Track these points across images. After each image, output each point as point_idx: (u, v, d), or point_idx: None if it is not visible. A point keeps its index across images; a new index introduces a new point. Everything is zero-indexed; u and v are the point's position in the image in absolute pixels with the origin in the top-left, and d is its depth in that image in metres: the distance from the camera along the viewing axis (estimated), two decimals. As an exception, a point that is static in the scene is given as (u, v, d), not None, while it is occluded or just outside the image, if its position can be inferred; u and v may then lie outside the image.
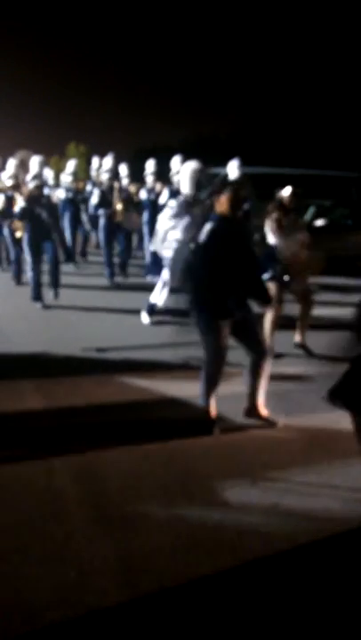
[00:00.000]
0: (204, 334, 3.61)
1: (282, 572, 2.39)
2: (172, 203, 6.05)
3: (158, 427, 3.69)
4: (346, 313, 7.17)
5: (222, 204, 3.52)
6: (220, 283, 3.49)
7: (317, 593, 2.25)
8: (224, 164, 11.76)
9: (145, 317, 6.32)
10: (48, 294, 7.14)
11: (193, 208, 5.85)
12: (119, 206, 8.45)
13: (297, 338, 5.28)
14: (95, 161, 12.34)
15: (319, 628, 2.09)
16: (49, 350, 5.24)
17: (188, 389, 4.23)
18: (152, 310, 6.28)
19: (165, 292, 6.19)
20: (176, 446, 3.43)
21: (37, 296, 7.05)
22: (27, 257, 7.13)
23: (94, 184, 11.19)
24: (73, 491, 2.92)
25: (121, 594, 2.20)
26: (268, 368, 3.68)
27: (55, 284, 7.13)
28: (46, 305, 7.01)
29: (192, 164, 6.13)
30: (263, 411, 3.73)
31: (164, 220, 5.92)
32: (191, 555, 2.44)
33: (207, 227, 3.51)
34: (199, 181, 6.04)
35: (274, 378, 3.91)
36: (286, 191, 5.24)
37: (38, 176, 7.02)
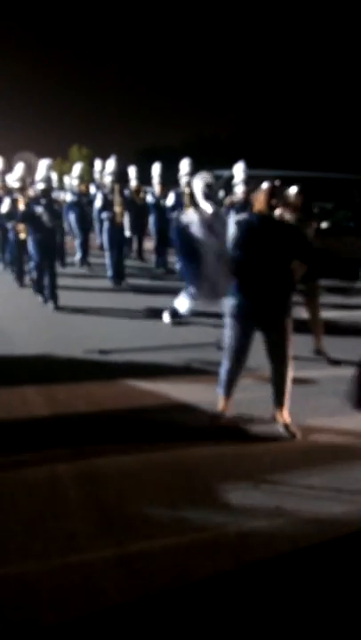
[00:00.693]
0: (287, 333, 3.58)
1: (284, 574, 2.39)
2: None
3: (161, 429, 3.70)
4: (348, 315, 7.21)
5: (260, 201, 3.49)
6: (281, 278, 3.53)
7: (319, 595, 2.25)
8: (225, 165, 11.79)
9: (166, 317, 6.32)
10: (48, 305, 7.11)
11: (211, 217, 5.85)
12: (118, 209, 8.46)
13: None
14: (98, 163, 12.38)
15: (321, 629, 2.09)
16: (51, 352, 5.25)
17: (190, 392, 4.25)
18: (175, 314, 6.28)
19: (187, 300, 6.17)
20: (179, 449, 3.43)
21: (39, 288, 7.13)
22: (31, 255, 7.17)
23: (98, 187, 11.24)
24: (75, 493, 2.92)
25: (122, 596, 2.20)
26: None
27: (53, 296, 7.06)
28: (46, 300, 7.08)
29: (201, 178, 6.11)
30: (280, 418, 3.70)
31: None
32: (193, 557, 2.45)
33: (243, 225, 3.51)
34: (208, 195, 6.04)
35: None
36: (292, 190, 5.24)
37: (46, 179, 7.05)
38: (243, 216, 3.57)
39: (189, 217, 5.93)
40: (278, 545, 2.55)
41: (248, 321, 3.57)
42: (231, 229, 3.60)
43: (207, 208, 5.87)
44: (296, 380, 4.48)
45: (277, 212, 3.58)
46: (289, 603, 2.21)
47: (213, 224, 5.78)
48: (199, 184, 6.07)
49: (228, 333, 3.66)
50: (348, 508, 2.85)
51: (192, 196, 6.25)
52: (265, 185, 3.52)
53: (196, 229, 5.80)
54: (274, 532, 2.65)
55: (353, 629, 2.11)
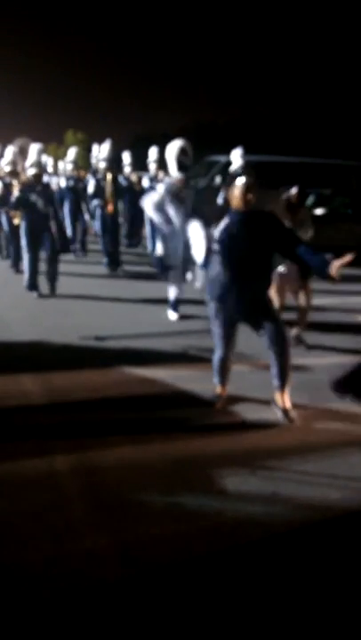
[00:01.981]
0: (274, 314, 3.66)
1: (280, 557, 2.40)
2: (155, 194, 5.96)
3: (157, 416, 3.69)
4: (346, 302, 7.21)
5: (236, 198, 3.49)
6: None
7: (316, 580, 2.26)
8: (223, 151, 11.69)
9: (171, 314, 6.16)
10: (45, 286, 7.07)
11: (181, 191, 5.81)
12: (109, 196, 8.38)
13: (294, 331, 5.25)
14: (95, 149, 12.27)
15: (317, 612, 2.11)
16: (47, 339, 5.23)
17: (187, 379, 4.24)
18: (175, 307, 6.21)
19: (173, 285, 6.16)
20: (176, 436, 3.43)
21: (33, 285, 7.00)
22: (23, 245, 7.06)
23: (95, 172, 11.15)
24: (73, 481, 2.92)
25: (120, 582, 2.21)
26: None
27: (52, 278, 7.02)
28: (42, 294, 6.97)
29: (176, 143, 6.03)
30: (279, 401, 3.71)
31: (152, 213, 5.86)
32: (190, 543, 2.45)
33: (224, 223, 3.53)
34: (181, 162, 5.97)
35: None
36: (293, 190, 5.26)
37: (37, 164, 6.94)
38: (224, 221, 3.53)
39: (158, 193, 5.91)
40: (275, 531, 2.56)
41: (232, 310, 3.60)
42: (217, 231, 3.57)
43: (176, 174, 5.84)
44: (292, 367, 4.48)
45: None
46: (286, 586, 2.22)
47: (182, 194, 5.77)
48: (173, 149, 6.00)
49: (213, 322, 3.71)
50: (344, 494, 2.86)
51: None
52: (240, 181, 3.49)
53: (166, 205, 5.79)
54: (271, 518, 2.66)
55: (347, 611, 2.12)
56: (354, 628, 2.07)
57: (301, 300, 5.19)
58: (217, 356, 3.78)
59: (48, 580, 2.21)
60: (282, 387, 3.62)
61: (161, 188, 6.01)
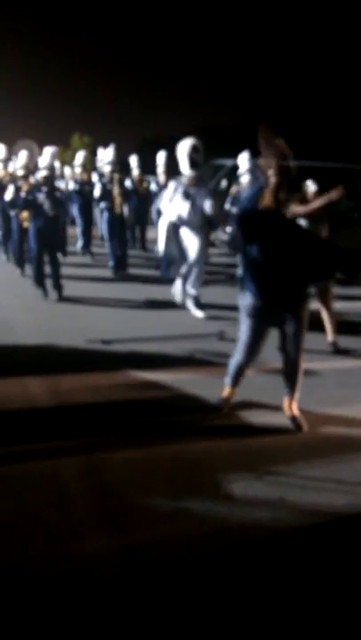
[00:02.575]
0: (303, 326, 3.55)
1: (285, 562, 2.39)
2: (174, 184, 6.05)
3: (163, 420, 3.69)
4: (353, 307, 7.17)
5: (267, 197, 3.36)
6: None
7: (319, 584, 2.25)
8: (229, 154, 11.69)
9: (198, 312, 6.24)
10: (51, 294, 7.08)
11: (193, 188, 5.89)
12: (117, 199, 8.41)
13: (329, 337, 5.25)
14: (101, 152, 12.31)
15: (320, 618, 2.10)
16: (53, 342, 5.24)
17: (193, 382, 4.24)
18: (199, 303, 6.26)
19: (178, 283, 6.21)
20: (182, 439, 3.43)
21: (39, 282, 7.05)
22: (31, 245, 7.11)
23: (100, 175, 11.17)
24: (77, 483, 2.92)
25: (122, 583, 2.21)
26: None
27: (57, 283, 7.01)
28: (48, 293, 7.01)
29: (187, 142, 6.10)
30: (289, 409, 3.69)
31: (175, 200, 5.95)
32: (195, 546, 2.45)
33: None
34: (194, 159, 6.03)
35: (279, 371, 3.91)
36: (311, 187, 5.20)
37: (50, 167, 6.99)
38: (255, 222, 3.43)
39: (169, 193, 5.99)
40: (281, 536, 2.55)
41: (265, 319, 3.54)
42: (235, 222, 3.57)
43: (190, 171, 5.91)
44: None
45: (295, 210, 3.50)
46: (291, 591, 2.21)
47: (194, 192, 5.85)
48: (185, 146, 6.06)
49: (242, 329, 3.63)
50: (350, 500, 2.85)
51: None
52: (272, 179, 3.36)
53: (177, 203, 5.87)
54: (277, 523, 2.65)
55: (352, 615, 2.11)
56: (358, 632, 2.06)
57: (324, 306, 5.20)
58: (235, 361, 3.71)
59: (51, 579, 2.22)
60: (291, 394, 3.62)
61: (172, 185, 6.07)
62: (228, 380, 3.80)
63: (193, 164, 6.00)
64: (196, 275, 6.16)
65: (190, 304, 6.29)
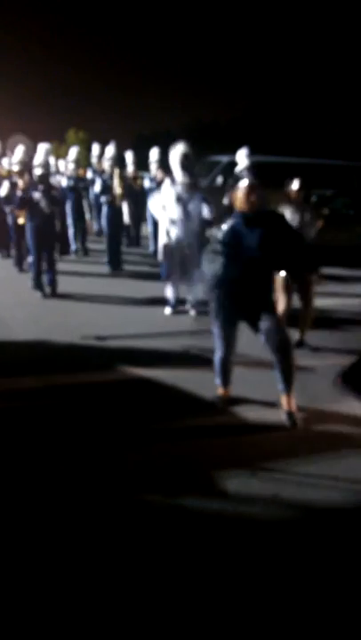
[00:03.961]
0: (276, 317, 3.65)
1: (281, 561, 2.40)
2: (168, 188, 6.03)
3: (158, 416, 3.69)
4: (348, 304, 7.19)
5: (240, 200, 3.52)
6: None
7: (315, 581, 2.26)
8: (224, 151, 11.67)
9: (167, 310, 6.28)
10: (46, 289, 7.03)
11: (186, 193, 5.89)
12: (118, 190, 8.39)
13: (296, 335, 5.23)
14: (96, 148, 12.24)
15: (316, 615, 2.11)
16: (48, 338, 5.23)
17: (188, 379, 4.24)
18: (200, 303, 6.25)
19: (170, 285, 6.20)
20: (176, 436, 3.43)
21: (38, 284, 7.00)
22: (29, 244, 7.06)
23: (95, 171, 11.12)
24: (73, 480, 2.92)
25: (119, 582, 2.21)
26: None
27: (52, 280, 6.98)
28: (46, 294, 6.97)
29: (179, 149, 6.09)
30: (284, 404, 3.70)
31: (168, 205, 5.93)
32: (190, 543, 2.45)
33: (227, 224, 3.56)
34: (186, 165, 6.03)
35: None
36: (294, 185, 5.18)
37: (44, 164, 6.94)
38: (230, 222, 3.58)
39: (163, 195, 5.98)
40: (276, 532, 2.56)
41: (233, 310, 3.62)
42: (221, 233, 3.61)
43: (183, 178, 5.90)
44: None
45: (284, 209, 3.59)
46: (286, 588, 2.22)
47: (187, 197, 5.85)
48: (176, 155, 6.06)
49: (213, 323, 3.72)
50: (345, 496, 2.86)
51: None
52: (243, 183, 3.53)
53: (171, 208, 5.87)
54: (271, 519, 2.66)
55: (348, 611, 2.12)
56: (355, 628, 2.07)
57: (303, 303, 5.18)
58: (217, 357, 3.79)
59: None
60: (287, 390, 3.63)
61: (166, 189, 6.05)
62: (217, 380, 3.84)
63: (185, 171, 5.99)
64: (194, 284, 6.16)
65: (190, 306, 6.26)
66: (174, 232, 5.96)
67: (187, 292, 6.21)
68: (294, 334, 5.03)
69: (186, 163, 6.01)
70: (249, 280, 3.52)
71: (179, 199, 5.89)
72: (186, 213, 5.88)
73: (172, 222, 5.94)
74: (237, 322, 3.70)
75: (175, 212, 5.90)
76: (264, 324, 3.55)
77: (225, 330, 3.68)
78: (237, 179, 3.62)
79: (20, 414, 3.68)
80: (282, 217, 3.73)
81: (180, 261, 6.04)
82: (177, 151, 6.07)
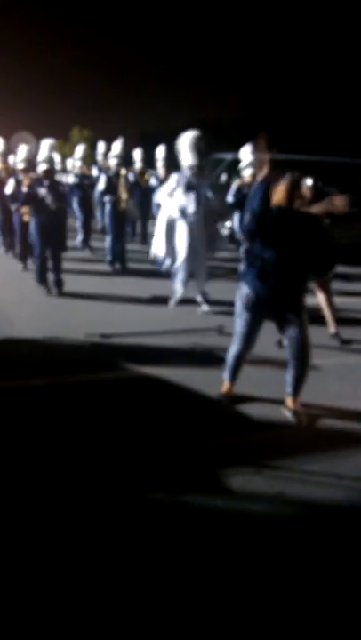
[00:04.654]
0: (304, 319, 3.59)
1: (284, 557, 2.40)
2: (176, 177, 6.02)
3: (162, 414, 3.69)
4: (353, 302, 7.17)
5: (279, 194, 3.40)
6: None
7: (318, 579, 2.26)
8: (228, 148, 11.65)
9: (205, 307, 6.26)
10: (52, 289, 7.04)
11: (195, 178, 5.88)
12: (124, 194, 8.37)
13: (331, 329, 5.28)
14: (101, 145, 12.25)
15: (319, 613, 2.11)
16: (53, 336, 5.24)
17: (191, 376, 4.23)
18: (207, 299, 6.26)
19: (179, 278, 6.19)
20: (180, 433, 3.43)
21: (42, 280, 7.00)
22: (34, 241, 7.05)
23: (100, 169, 11.12)
24: (77, 477, 2.93)
25: (122, 580, 2.22)
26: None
27: (58, 278, 6.97)
28: (50, 291, 6.97)
29: (190, 133, 6.08)
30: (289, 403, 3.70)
31: (176, 194, 5.92)
32: (194, 541, 2.45)
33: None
34: (199, 150, 6.03)
35: (279, 365, 3.91)
36: (307, 183, 5.14)
37: (48, 160, 6.90)
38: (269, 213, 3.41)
39: (171, 183, 5.96)
40: (280, 530, 2.56)
41: (261, 309, 3.58)
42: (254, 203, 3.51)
43: (193, 161, 5.88)
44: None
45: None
46: (290, 585, 2.22)
47: (196, 183, 5.82)
48: (187, 137, 6.05)
49: (238, 320, 3.68)
50: (349, 494, 2.86)
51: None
52: (287, 177, 3.43)
53: (179, 196, 5.84)
54: (275, 517, 2.66)
55: (351, 610, 2.12)
56: (357, 626, 2.07)
57: (325, 299, 5.23)
58: (232, 353, 3.77)
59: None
60: (294, 394, 3.64)
61: (173, 179, 6.04)
62: (226, 374, 3.84)
63: (198, 153, 5.98)
64: (202, 270, 6.16)
65: (200, 298, 6.27)
66: (182, 221, 5.93)
67: (195, 287, 6.20)
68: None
69: (198, 144, 6.00)
70: (283, 277, 3.45)
71: (189, 186, 5.87)
72: (196, 199, 5.86)
73: (181, 210, 5.90)
74: (262, 321, 3.66)
75: (185, 199, 5.87)
76: (290, 329, 3.55)
77: (248, 328, 3.64)
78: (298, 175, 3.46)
79: (24, 412, 3.69)
80: (318, 219, 3.60)
81: (188, 254, 6.01)
82: (188, 134, 6.07)
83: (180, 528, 2.54)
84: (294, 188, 3.39)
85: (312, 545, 2.48)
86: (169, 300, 6.35)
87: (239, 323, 3.67)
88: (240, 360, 3.77)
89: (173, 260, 6.17)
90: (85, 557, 2.34)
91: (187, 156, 6.00)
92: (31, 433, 3.38)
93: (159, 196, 6.35)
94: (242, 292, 3.60)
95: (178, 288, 6.29)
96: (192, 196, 5.87)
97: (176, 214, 5.98)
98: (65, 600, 2.12)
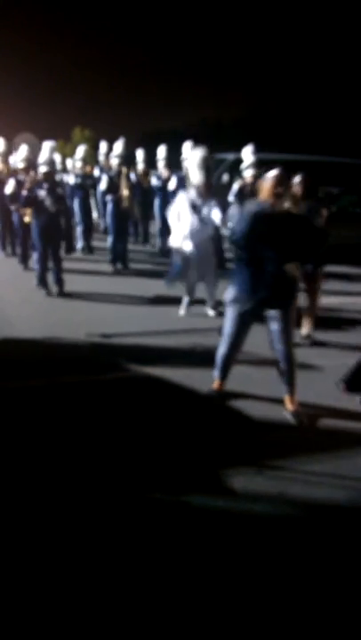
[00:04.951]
0: (291, 320, 3.59)
1: (285, 557, 2.39)
2: (183, 196, 5.98)
3: (162, 414, 3.69)
4: (354, 302, 7.16)
5: (265, 190, 3.43)
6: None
7: (319, 579, 2.25)
8: (228, 149, 11.64)
9: (211, 312, 6.19)
10: (53, 287, 7.04)
11: (200, 199, 5.87)
12: (125, 192, 8.38)
13: (304, 330, 5.23)
14: (103, 146, 12.25)
15: (320, 613, 2.10)
16: (54, 335, 5.23)
17: (192, 377, 4.23)
18: (218, 304, 6.22)
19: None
20: (181, 433, 3.42)
21: (42, 282, 6.99)
22: (34, 242, 7.05)
23: (102, 169, 11.11)
24: (78, 478, 2.92)
25: (122, 578, 2.21)
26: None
27: (58, 279, 6.94)
28: (50, 292, 6.96)
29: (199, 152, 6.08)
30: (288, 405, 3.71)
31: (183, 214, 5.88)
32: (195, 541, 2.45)
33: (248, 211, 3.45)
34: (208, 167, 6.03)
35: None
36: (296, 180, 5.14)
37: (49, 162, 6.91)
38: (253, 207, 3.48)
39: (178, 204, 5.96)
40: (281, 530, 2.55)
41: (251, 310, 3.59)
42: (236, 217, 3.57)
43: (200, 179, 5.87)
44: (301, 367, 4.45)
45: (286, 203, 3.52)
46: (291, 586, 2.21)
47: (201, 203, 5.79)
48: (197, 157, 6.04)
49: (227, 320, 3.72)
50: (350, 495, 2.85)
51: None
52: (271, 173, 3.47)
53: (185, 218, 5.84)
54: (276, 517, 2.65)
55: (352, 610, 2.11)
56: (357, 626, 2.06)
57: (309, 299, 5.20)
58: (221, 353, 3.80)
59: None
60: (290, 392, 3.64)
61: (180, 198, 6.01)
62: (216, 373, 3.88)
63: (206, 172, 5.96)
64: (211, 274, 6.14)
65: (209, 309, 6.22)
66: (188, 241, 5.90)
67: (205, 294, 6.19)
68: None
69: (205, 163, 6.00)
70: (273, 274, 3.45)
71: (193, 207, 5.86)
72: (200, 220, 5.85)
73: (189, 233, 5.87)
74: (251, 322, 3.67)
75: (189, 219, 5.85)
76: (275, 325, 3.55)
77: (237, 328, 3.66)
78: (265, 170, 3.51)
79: (25, 412, 3.68)
80: (305, 218, 3.62)
81: (196, 265, 5.99)
82: (197, 153, 6.07)
83: (181, 528, 2.53)
84: (279, 184, 3.39)
85: (314, 545, 2.47)
86: (179, 306, 6.29)
87: (228, 323, 3.71)
88: (229, 360, 3.81)
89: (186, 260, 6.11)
90: (86, 558, 2.34)
91: (195, 175, 5.98)
92: (32, 433, 3.38)
93: (170, 217, 6.22)
94: (230, 294, 3.64)
95: (186, 296, 6.25)
96: (196, 217, 5.84)
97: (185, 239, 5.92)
98: (66, 600, 2.11)
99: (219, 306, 6.14)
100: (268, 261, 3.42)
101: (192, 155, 6.14)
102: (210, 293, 6.19)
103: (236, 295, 3.60)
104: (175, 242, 5.96)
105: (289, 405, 3.65)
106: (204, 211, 5.85)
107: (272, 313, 3.55)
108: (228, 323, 3.70)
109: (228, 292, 3.67)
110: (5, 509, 2.65)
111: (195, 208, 5.86)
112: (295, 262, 3.59)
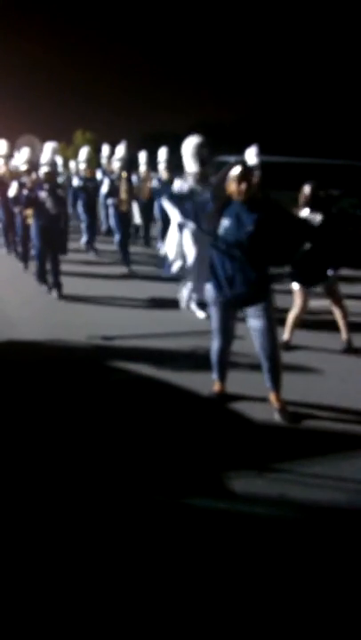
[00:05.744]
0: (271, 315, 3.59)
1: (286, 559, 2.39)
2: (180, 183, 5.97)
3: (162, 416, 3.69)
4: (354, 305, 7.17)
5: (231, 188, 3.48)
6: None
7: (320, 582, 2.25)
8: (229, 152, 11.66)
9: (201, 313, 6.18)
10: (52, 292, 7.04)
11: (201, 188, 5.84)
12: (124, 196, 8.39)
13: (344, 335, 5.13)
14: (105, 149, 12.28)
15: (321, 616, 2.10)
16: (54, 338, 5.24)
17: (192, 378, 4.23)
18: (202, 304, 6.23)
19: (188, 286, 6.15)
20: (181, 435, 3.43)
21: (41, 278, 7.03)
22: (34, 243, 7.07)
23: (104, 172, 11.14)
24: (81, 475, 2.93)
25: (123, 580, 2.21)
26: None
27: (56, 284, 6.96)
28: (51, 290, 6.98)
29: (193, 139, 6.05)
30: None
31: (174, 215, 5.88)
32: (195, 544, 2.45)
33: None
34: (202, 157, 5.99)
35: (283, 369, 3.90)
36: (305, 189, 5.10)
37: (51, 163, 6.92)
38: (226, 212, 3.53)
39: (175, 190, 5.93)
40: (282, 533, 2.55)
41: (230, 305, 3.63)
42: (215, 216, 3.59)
43: (196, 168, 5.84)
44: (302, 368, 4.46)
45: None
46: (291, 588, 2.21)
47: (199, 190, 5.77)
48: (191, 144, 5.99)
49: (212, 316, 3.76)
50: (350, 497, 2.85)
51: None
52: (233, 172, 3.49)
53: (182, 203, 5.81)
54: (277, 519, 2.65)
55: (353, 612, 2.11)
56: (357, 628, 2.06)
57: (335, 304, 5.16)
58: (214, 348, 3.82)
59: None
60: (275, 388, 3.65)
61: (177, 185, 6.01)
62: (214, 374, 3.89)
63: (201, 161, 5.94)
64: (199, 277, 6.12)
65: (194, 306, 6.23)
66: (188, 231, 5.89)
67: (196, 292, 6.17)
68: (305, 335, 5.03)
69: (201, 152, 5.96)
70: (244, 269, 3.47)
71: (191, 193, 5.84)
72: (198, 207, 5.82)
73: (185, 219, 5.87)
74: (235, 315, 3.71)
75: (191, 228, 5.84)
76: (255, 322, 3.56)
77: (222, 323, 3.70)
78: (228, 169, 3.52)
79: (26, 414, 3.69)
80: (278, 204, 3.62)
81: (197, 258, 5.97)
82: (191, 141, 6.03)
83: (182, 530, 2.53)
84: (242, 180, 3.43)
85: (314, 547, 2.47)
86: (180, 304, 6.30)
87: (213, 319, 3.75)
88: (223, 356, 3.82)
89: (182, 265, 6.11)
90: (87, 559, 2.34)
91: (189, 163, 5.98)
92: (32, 434, 3.39)
93: (164, 202, 6.29)
94: (210, 290, 3.66)
95: (184, 294, 6.25)
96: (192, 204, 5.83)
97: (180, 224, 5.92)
98: (66, 600, 2.11)
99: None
100: (244, 258, 3.44)
101: (185, 143, 6.11)
102: (198, 290, 6.16)
103: (215, 292, 3.62)
104: (170, 252, 5.95)
105: (275, 403, 3.66)
106: (201, 198, 5.83)
107: (251, 311, 3.56)
108: (213, 317, 3.75)
109: (207, 289, 3.70)
110: (6, 511, 2.65)
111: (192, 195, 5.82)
112: (276, 259, 3.63)
